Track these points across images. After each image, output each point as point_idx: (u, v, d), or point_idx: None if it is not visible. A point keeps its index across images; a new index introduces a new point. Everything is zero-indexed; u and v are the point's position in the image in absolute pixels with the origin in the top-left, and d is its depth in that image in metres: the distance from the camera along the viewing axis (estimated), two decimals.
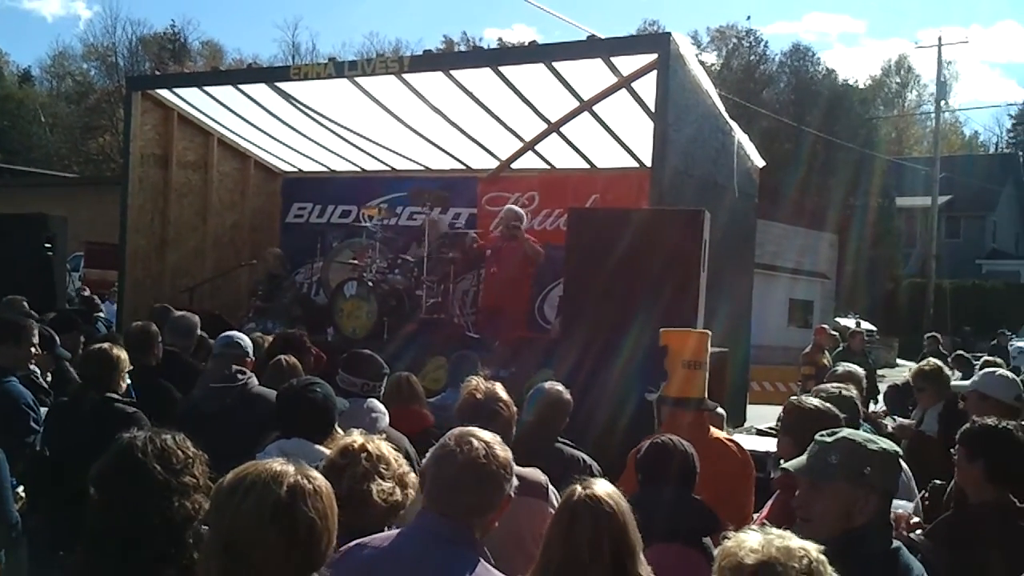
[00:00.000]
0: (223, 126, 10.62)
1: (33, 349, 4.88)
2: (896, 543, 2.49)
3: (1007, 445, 3.19)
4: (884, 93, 57.11)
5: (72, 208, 14.85)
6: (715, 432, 4.25)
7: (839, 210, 30.92)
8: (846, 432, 2.53)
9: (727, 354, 6.57)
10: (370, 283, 8.60)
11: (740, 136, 8.55)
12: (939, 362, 5.99)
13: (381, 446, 2.72)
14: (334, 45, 77.33)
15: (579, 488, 2.44)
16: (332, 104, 9.43)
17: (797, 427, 3.32)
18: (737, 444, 4.19)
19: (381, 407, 4.27)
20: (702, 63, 14.45)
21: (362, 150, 10.60)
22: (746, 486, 3.97)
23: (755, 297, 9.88)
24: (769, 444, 4.92)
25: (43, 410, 4.60)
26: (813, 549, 1.85)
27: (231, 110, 10.04)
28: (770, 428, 6.78)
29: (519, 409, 3.78)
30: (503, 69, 8.09)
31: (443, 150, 10.11)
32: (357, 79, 8.72)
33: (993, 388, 4.55)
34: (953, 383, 5.81)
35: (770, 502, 3.46)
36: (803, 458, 2.53)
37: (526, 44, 8.79)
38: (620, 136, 8.95)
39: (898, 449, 2.55)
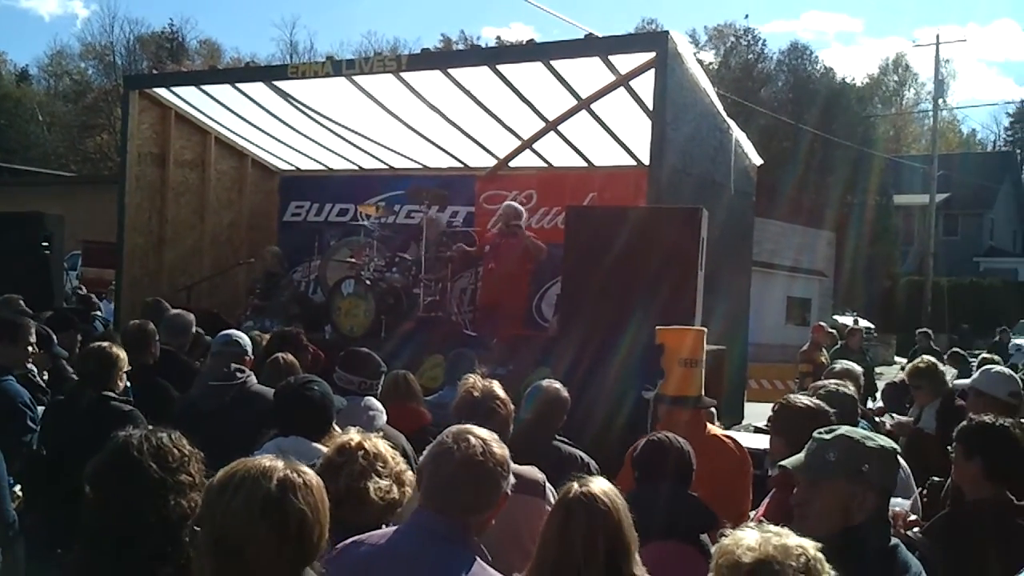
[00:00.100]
0: (221, 125, 10.59)
1: (30, 348, 4.88)
2: (894, 540, 2.48)
3: (1004, 442, 3.19)
4: (882, 91, 57.17)
5: (69, 207, 14.85)
6: (712, 429, 4.26)
7: (837, 208, 30.94)
8: (844, 429, 2.52)
9: (724, 352, 6.56)
10: (368, 281, 8.60)
11: (738, 134, 8.55)
12: (933, 359, 6.01)
13: (378, 444, 2.72)
14: (332, 44, 77.31)
15: (575, 486, 2.44)
16: (330, 103, 9.41)
17: (788, 427, 3.32)
18: (735, 441, 4.19)
19: (378, 405, 4.27)
20: (700, 61, 14.40)
21: (360, 148, 10.58)
22: (743, 483, 3.98)
23: (753, 295, 9.87)
24: (767, 441, 4.90)
25: (40, 409, 4.60)
26: (811, 547, 1.84)
27: (229, 109, 10.02)
28: (768, 426, 6.77)
29: (517, 407, 3.78)
30: (501, 68, 8.08)
31: (441, 148, 10.10)
32: (355, 78, 8.70)
33: (990, 385, 4.57)
34: (954, 381, 5.81)
35: (767, 499, 3.46)
36: (801, 455, 2.52)
37: (524, 43, 8.76)
38: (618, 134, 8.94)
39: (896, 446, 2.54)
